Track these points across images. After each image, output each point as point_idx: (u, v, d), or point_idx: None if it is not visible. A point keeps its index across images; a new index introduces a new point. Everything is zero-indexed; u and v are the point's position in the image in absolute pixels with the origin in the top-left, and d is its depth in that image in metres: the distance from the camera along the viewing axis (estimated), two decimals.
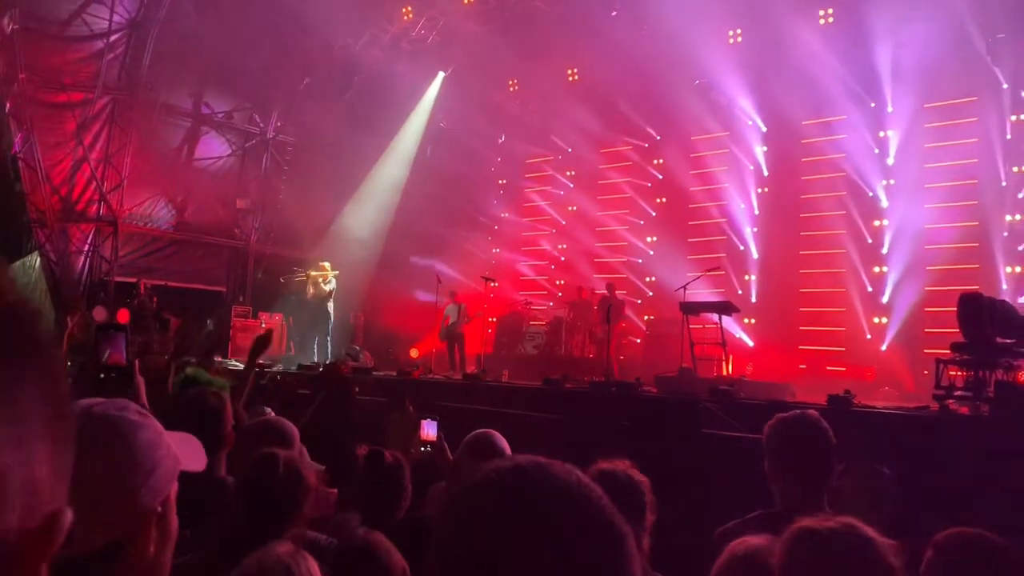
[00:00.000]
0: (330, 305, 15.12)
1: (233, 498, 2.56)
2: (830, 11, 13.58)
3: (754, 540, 2.03)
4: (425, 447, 3.87)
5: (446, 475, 3.42)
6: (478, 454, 3.08)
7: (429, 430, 4.05)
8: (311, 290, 15.08)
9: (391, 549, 2.22)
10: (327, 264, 15.37)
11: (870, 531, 1.68)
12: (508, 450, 3.10)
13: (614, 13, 14.97)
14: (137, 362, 2.79)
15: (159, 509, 1.21)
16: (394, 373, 11.82)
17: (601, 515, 0.87)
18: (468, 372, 11.94)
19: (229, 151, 17.95)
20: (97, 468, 1.14)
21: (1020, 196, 12.30)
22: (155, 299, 14.88)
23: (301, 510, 2.52)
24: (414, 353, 16.96)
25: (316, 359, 14.31)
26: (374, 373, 11.76)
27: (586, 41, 15.63)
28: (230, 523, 2.43)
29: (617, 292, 14.42)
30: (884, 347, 13.02)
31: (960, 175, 12.76)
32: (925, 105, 13.09)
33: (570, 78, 17.14)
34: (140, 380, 2.79)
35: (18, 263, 15.31)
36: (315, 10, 14.90)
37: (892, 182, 13.58)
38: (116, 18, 15.01)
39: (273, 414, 3.99)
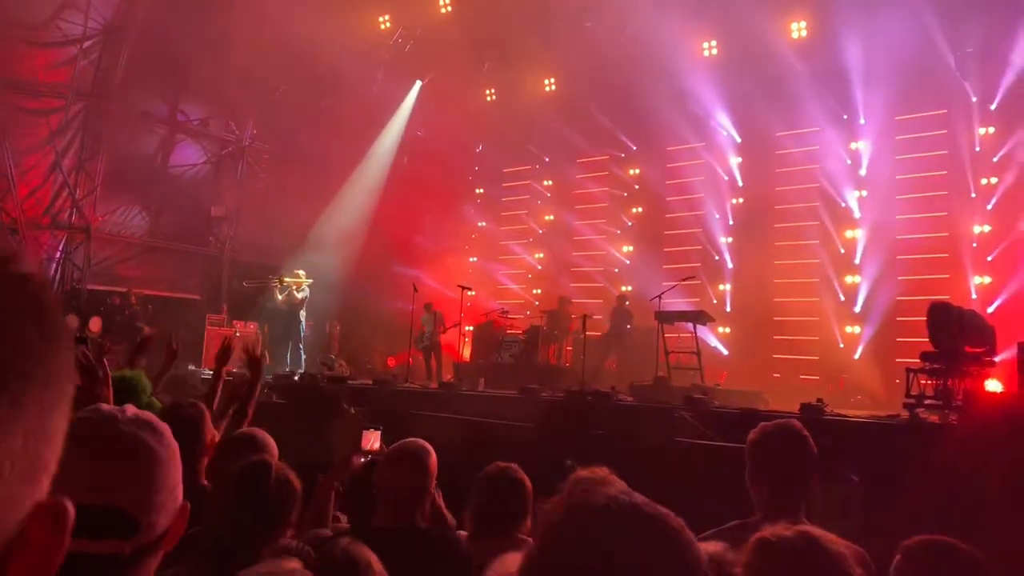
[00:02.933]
0: (302, 314, 15.05)
1: (220, 506, 2.54)
2: (803, 24, 13.77)
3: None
4: (367, 457, 3.84)
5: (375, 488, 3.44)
6: (402, 463, 3.15)
7: (372, 441, 4.01)
8: (280, 297, 15.00)
9: (372, 560, 2.22)
10: (302, 272, 15.30)
11: (831, 539, 1.69)
12: (433, 455, 3.17)
13: (588, 24, 15.06)
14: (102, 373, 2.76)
15: (188, 504, 1.32)
16: (370, 382, 11.77)
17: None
18: (445, 381, 11.93)
19: (204, 158, 17.83)
20: (152, 469, 1.24)
21: (989, 208, 12.51)
22: (150, 307, 14.88)
23: (290, 519, 2.51)
24: (390, 362, 16.91)
25: (289, 368, 14.22)
26: (350, 382, 11.71)
27: (562, 52, 15.71)
28: (217, 532, 2.41)
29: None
30: (857, 356, 13.17)
31: (930, 187, 12.99)
32: (896, 118, 13.31)
33: (547, 88, 17.22)
34: (107, 392, 2.76)
35: None
36: (292, 17, 14.86)
37: (864, 193, 13.78)
38: (91, 24, 14.88)
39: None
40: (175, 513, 1.27)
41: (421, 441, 3.27)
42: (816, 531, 1.71)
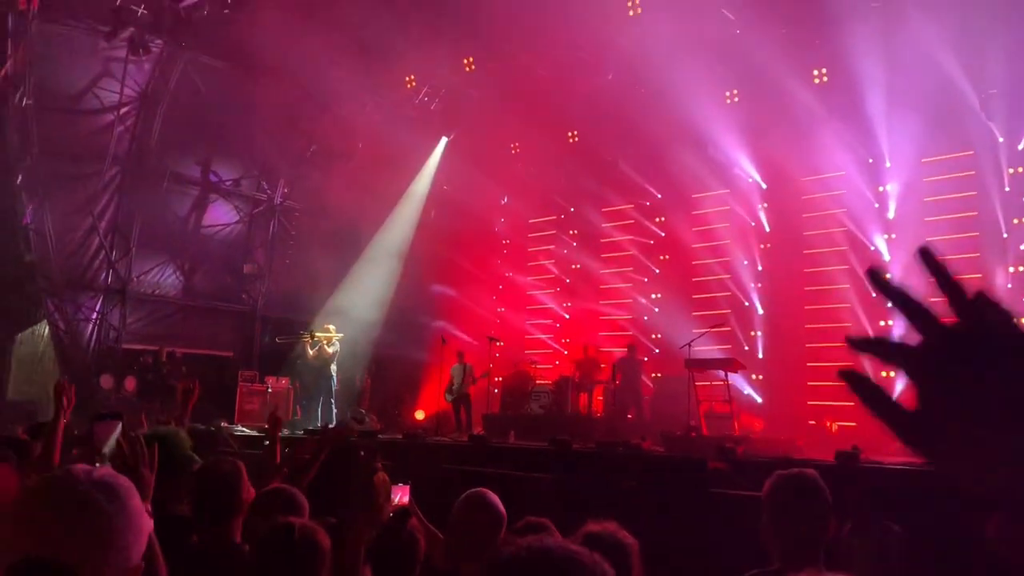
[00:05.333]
0: (333, 368, 15.14)
1: (249, 569, 2.57)
2: (824, 71, 13.83)
3: None
4: (395, 513, 3.88)
5: (444, 535, 3.49)
6: (474, 513, 3.28)
7: (401, 496, 4.04)
8: (311, 352, 15.12)
9: None
10: (332, 327, 15.44)
11: None
12: (501, 507, 3.32)
13: (610, 77, 15.28)
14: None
15: (143, 564, 1.39)
16: (400, 436, 11.77)
17: None
18: (474, 433, 11.89)
19: (237, 218, 18.19)
20: (102, 529, 1.31)
21: (1022, 248, 12.36)
22: (183, 368, 15.07)
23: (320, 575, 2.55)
24: (419, 415, 16.90)
25: (320, 423, 14.26)
26: (379, 436, 11.71)
27: (584, 105, 15.92)
28: None
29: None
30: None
31: (961, 228, 12.86)
32: (923, 160, 13.25)
33: (570, 140, 17.42)
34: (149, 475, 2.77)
35: (27, 332, 15.43)
36: (320, 79, 15.26)
37: (893, 236, 13.67)
38: (127, 91, 15.38)
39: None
40: (125, 573, 1.34)
41: (484, 489, 3.41)
42: None
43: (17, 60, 13.37)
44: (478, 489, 3.39)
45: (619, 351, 14.91)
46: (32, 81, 13.85)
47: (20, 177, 14.14)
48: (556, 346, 18.04)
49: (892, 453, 10.02)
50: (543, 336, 18.45)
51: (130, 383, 14.62)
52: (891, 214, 13.74)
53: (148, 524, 1.42)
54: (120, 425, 2.92)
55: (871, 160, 13.93)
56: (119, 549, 1.32)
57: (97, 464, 2.78)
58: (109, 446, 2.94)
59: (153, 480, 2.74)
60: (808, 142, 13.86)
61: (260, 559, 2.47)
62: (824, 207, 14.42)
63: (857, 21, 12.47)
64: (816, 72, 13.90)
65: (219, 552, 2.94)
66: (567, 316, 18.22)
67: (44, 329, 15.17)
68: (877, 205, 13.91)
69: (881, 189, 13.89)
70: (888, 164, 13.73)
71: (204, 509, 3.15)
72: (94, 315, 15.61)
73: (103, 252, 15.76)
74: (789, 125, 13.91)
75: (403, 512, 3.44)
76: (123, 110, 15.48)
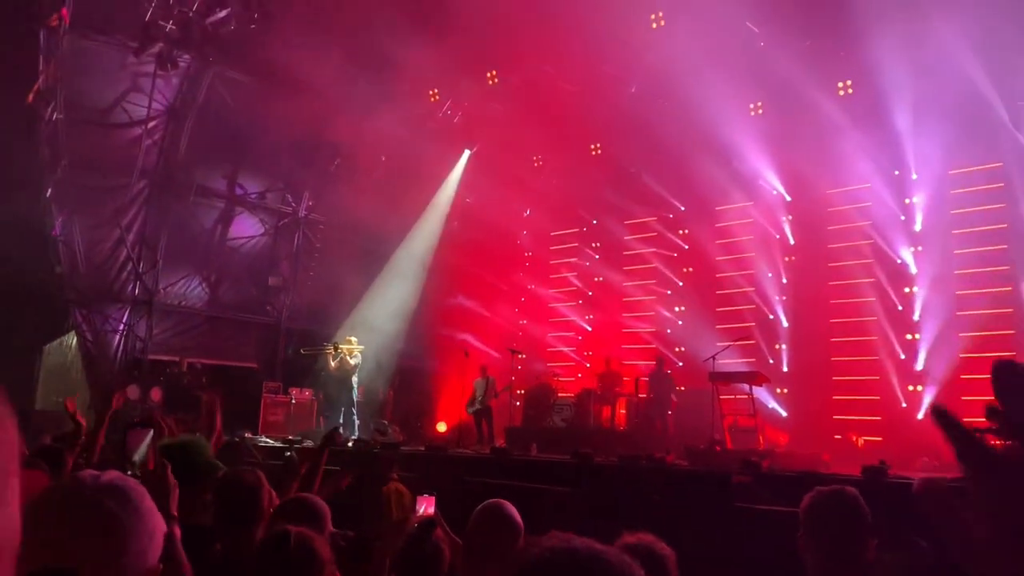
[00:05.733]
0: (354, 379, 15.21)
1: None
2: (848, 82, 13.73)
3: None
4: (419, 523, 3.88)
5: (459, 548, 3.48)
6: (491, 524, 3.23)
7: (426, 506, 4.03)
8: (333, 364, 15.20)
9: None
10: (354, 339, 15.52)
11: None
12: (519, 519, 3.27)
13: (633, 89, 15.27)
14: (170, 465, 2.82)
15: (160, 566, 1.38)
16: (423, 448, 11.78)
17: None
18: (497, 446, 11.87)
19: (262, 230, 18.36)
20: (114, 533, 1.32)
21: None
22: (204, 378, 15.16)
23: None
24: (441, 427, 16.91)
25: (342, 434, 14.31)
26: (402, 448, 11.73)
27: (606, 117, 15.92)
28: None
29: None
30: (920, 415, 12.74)
31: (989, 241, 12.68)
32: (950, 172, 13.10)
33: (593, 152, 17.42)
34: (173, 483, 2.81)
35: (55, 342, 15.64)
36: (344, 92, 15.39)
37: (920, 248, 13.51)
38: (155, 106, 15.61)
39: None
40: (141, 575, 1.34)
41: (501, 500, 3.36)
42: None
43: (48, 75, 13.61)
44: (495, 499, 3.37)
45: (643, 364, 14.85)
46: (62, 95, 14.10)
47: (50, 190, 14.38)
48: (578, 359, 17.99)
49: (919, 468, 9.89)
50: (565, 349, 18.41)
51: (156, 394, 14.76)
52: (918, 226, 13.58)
53: (162, 525, 1.41)
54: (151, 433, 2.98)
55: (897, 172, 13.78)
56: (133, 552, 1.33)
57: (128, 472, 2.82)
58: (140, 454, 3.00)
59: (177, 490, 2.76)
60: (833, 154, 13.75)
61: (257, 567, 2.47)
62: (849, 219, 14.29)
63: (882, 33, 12.37)
64: (841, 84, 13.80)
65: (241, 560, 2.95)
66: (589, 329, 18.16)
67: (72, 340, 15.38)
68: (903, 217, 13.76)
69: (907, 201, 13.74)
70: (914, 176, 13.58)
71: (226, 518, 3.17)
72: (121, 326, 15.80)
73: (130, 264, 15.97)
74: (814, 137, 13.81)
75: (428, 523, 3.44)
76: (151, 124, 15.71)
